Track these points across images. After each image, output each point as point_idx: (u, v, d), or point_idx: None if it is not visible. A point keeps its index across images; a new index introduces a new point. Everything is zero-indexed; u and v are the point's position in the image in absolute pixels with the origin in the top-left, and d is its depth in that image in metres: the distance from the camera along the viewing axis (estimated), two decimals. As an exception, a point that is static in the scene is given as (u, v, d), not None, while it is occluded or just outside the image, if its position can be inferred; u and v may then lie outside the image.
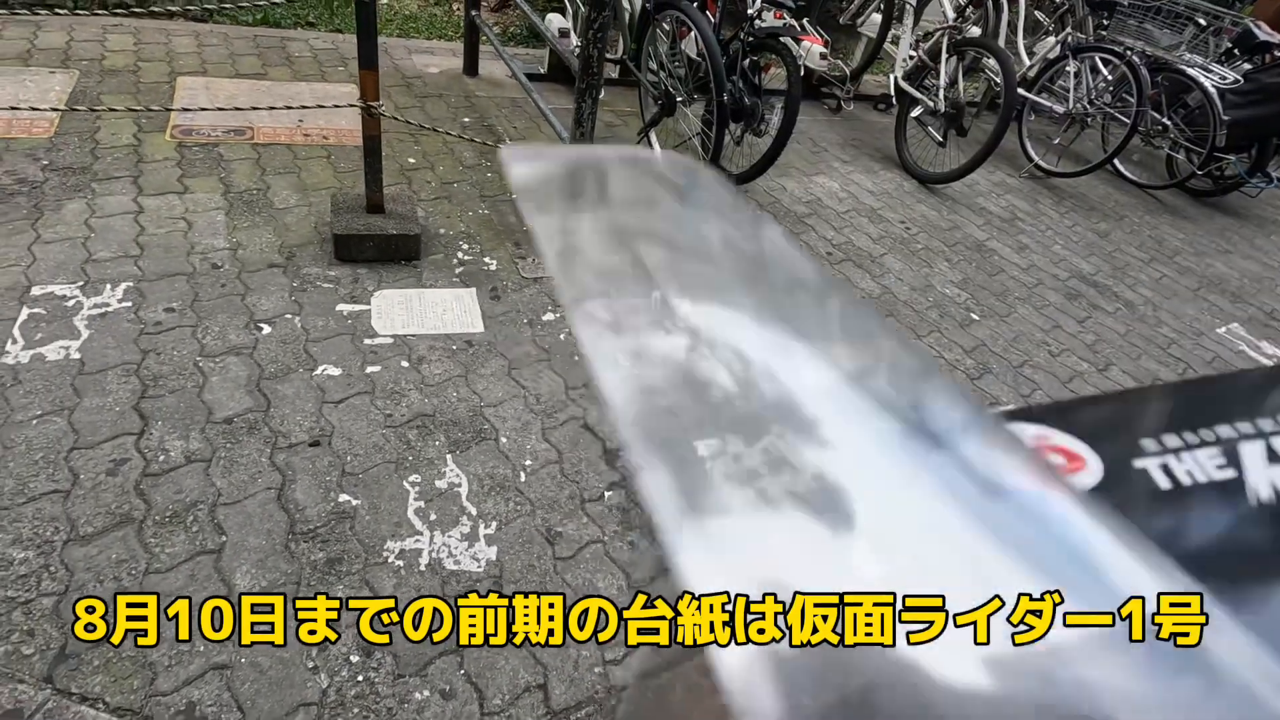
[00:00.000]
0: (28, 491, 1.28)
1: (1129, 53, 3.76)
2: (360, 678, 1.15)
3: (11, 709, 1.01)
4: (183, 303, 1.75)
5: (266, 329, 1.74)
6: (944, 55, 3.45)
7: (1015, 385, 2.26)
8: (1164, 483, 0.21)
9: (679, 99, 2.73)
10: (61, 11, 2.30)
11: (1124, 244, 3.55)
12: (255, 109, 1.94)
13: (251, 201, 2.16)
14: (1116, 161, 4.32)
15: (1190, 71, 3.88)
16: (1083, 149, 4.45)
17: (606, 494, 1.55)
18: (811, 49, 3.11)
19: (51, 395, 1.46)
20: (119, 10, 3.25)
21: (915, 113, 3.65)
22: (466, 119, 3.01)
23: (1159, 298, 3.11)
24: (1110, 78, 4.00)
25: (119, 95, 2.53)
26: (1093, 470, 0.22)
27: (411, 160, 2.60)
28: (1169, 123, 4.16)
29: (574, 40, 3.15)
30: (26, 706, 1.02)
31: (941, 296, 2.66)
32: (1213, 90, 3.78)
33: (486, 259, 2.19)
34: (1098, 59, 3.95)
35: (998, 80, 3.50)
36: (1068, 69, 3.94)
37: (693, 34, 2.61)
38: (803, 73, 3.92)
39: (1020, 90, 3.98)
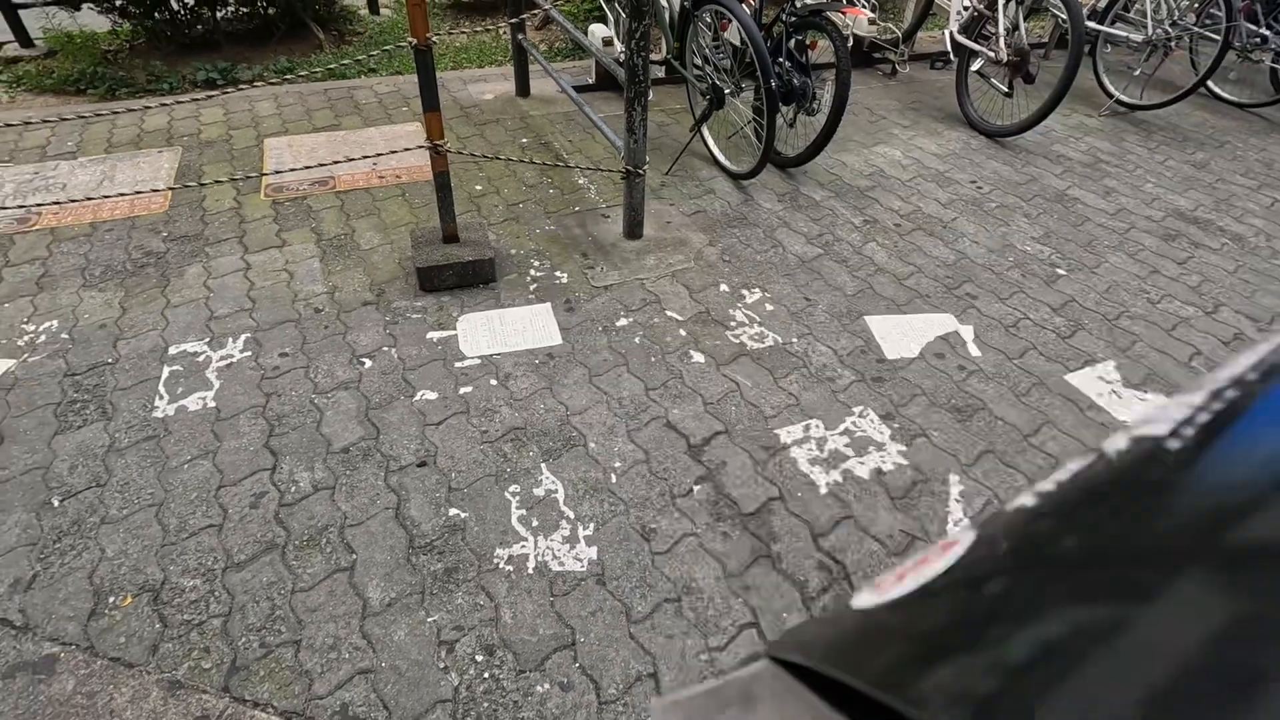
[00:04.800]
0: (188, 527, 1.47)
1: (1211, -35, 3.46)
2: (486, 675, 1.25)
3: (200, 715, 1.17)
4: (294, 347, 1.93)
5: (368, 363, 1.89)
6: (1001, 1, 3.29)
7: (1112, 339, 2.15)
8: None
9: (727, 91, 2.74)
10: (163, 102, 2.55)
11: (1227, 173, 3.28)
12: (335, 162, 2.11)
13: (341, 246, 2.35)
14: (1211, 83, 3.99)
15: (1288, -27, 3.53)
16: (1169, 76, 4.13)
17: (695, 488, 1.60)
18: (858, 19, 3.03)
19: (197, 441, 1.65)
20: (206, 86, 3.57)
21: (976, 66, 3.50)
22: (524, 139, 3.13)
23: (1273, 226, 2.86)
24: (1193, -6, 3.69)
25: (217, 164, 2.79)
26: None
27: (478, 187, 2.74)
28: (1269, 32, 3.80)
29: (618, 47, 3.21)
30: (211, 713, 1.18)
31: (1022, 255, 2.55)
32: (1317, -10, 3.42)
33: (557, 273, 2.28)
34: (1177, -24, 3.65)
35: (1064, 18, 3.31)
36: (1143, -8, 3.67)
37: (734, 24, 2.62)
38: (852, 41, 3.83)
39: (1091, 23, 3.74)
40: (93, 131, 2.98)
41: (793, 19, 2.67)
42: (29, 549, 1.41)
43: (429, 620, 1.33)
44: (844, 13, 2.92)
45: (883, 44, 4.09)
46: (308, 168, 2.09)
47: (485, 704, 1.21)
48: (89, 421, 1.69)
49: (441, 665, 1.26)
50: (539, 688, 1.24)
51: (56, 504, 1.50)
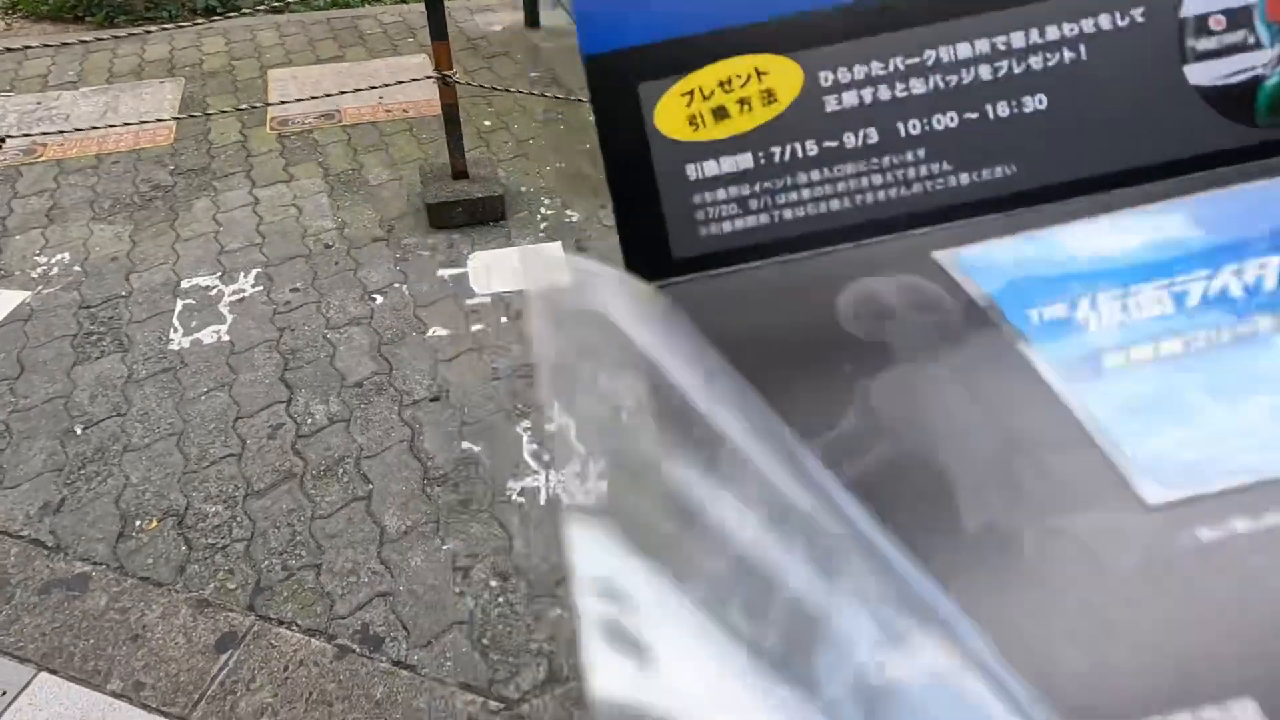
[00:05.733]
0: (209, 456, 1.50)
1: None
2: (500, 599, 1.29)
3: (228, 631, 1.23)
4: (305, 282, 1.93)
5: (379, 299, 1.89)
6: None
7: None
8: None
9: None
10: (166, 26, 2.47)
11: None
12: (341, 93, 2.06)
13: (349, 181, 2.32)
14: None
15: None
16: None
17: (704, 426, 1.62)
18: None
19: (213, 373, 1.67)
20: (206, 14, 3.47)
21: None
22: (534, 73, 3.04)
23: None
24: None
25: (221, 95, 2.73)
26: None
27: (487, 123, 2.68)
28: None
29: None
30: (238, 629, 1.23)
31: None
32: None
33: (568, 211, 2.25)
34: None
35: None
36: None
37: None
38: None
39: None
40: (93, 61, 2.91)
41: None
42: (55, 474, 1.45)
43: (444, 548, 1.36)
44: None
45: None
46: (313, 98, 2.04)
47: (500, 626, 1.26)
48: (106, 353, 1.71)
49: (457, 589, 1.30)
50: (552, 612, 1.28)
51: (79, 432, 1.53)
